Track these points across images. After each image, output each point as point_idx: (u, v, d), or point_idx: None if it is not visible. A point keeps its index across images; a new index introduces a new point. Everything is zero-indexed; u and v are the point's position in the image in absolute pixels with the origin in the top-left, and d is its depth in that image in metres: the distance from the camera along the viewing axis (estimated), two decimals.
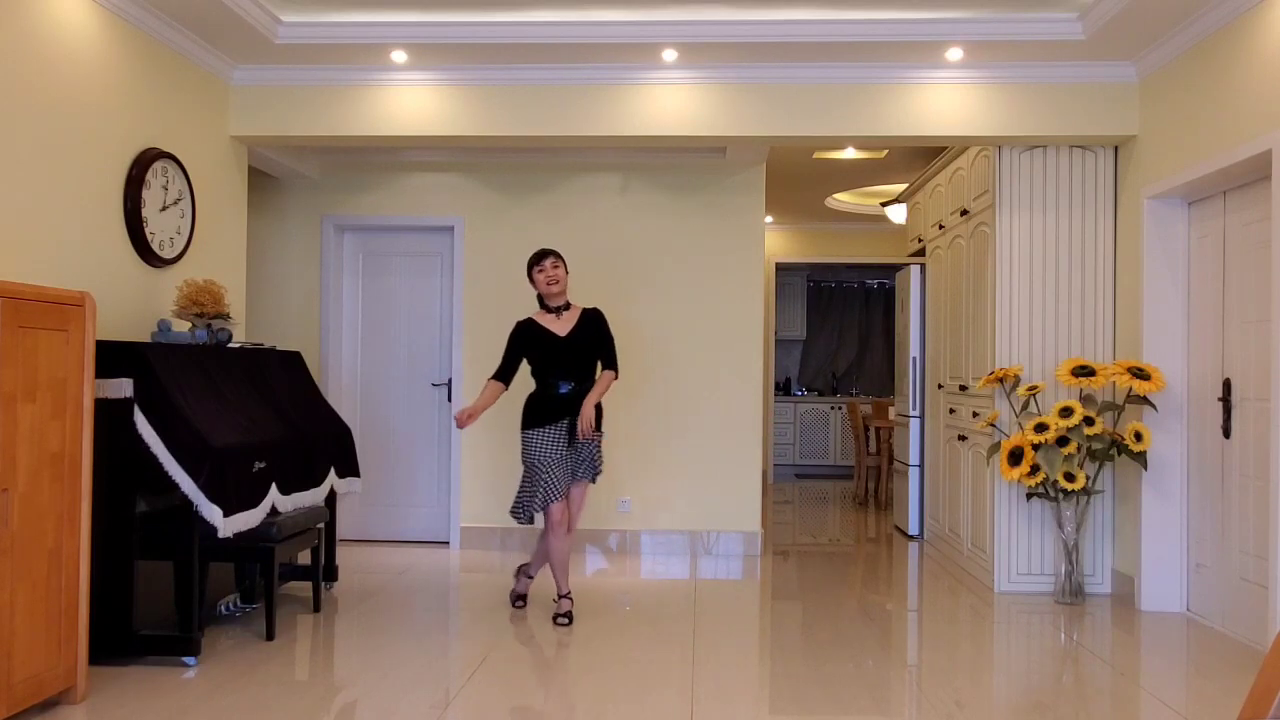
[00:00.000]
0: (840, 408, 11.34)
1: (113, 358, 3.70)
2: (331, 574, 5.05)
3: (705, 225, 6.31)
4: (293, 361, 5.00)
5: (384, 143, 5.50)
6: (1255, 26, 4.06)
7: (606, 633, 4.37)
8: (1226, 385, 4.48)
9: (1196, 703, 3.53)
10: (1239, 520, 4.39)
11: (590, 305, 4.76)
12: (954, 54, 4.93)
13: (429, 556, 6.05)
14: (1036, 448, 4.89)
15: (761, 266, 6.33)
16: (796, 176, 8.13)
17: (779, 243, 10.43)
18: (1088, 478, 4.98)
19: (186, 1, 4.41)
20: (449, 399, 6.42)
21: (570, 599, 4.58)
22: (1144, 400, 4.75)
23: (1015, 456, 4.95)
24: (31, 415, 3.11)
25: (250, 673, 3.72)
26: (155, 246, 4.57)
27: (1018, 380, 5.18)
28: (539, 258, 4.58)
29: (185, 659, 3.81)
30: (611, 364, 4.63)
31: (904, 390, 7.23)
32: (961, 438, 5.99)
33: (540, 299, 4.65)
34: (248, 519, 3.87)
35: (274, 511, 4.13)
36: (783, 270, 11.25)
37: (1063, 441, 4.85)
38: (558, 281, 4.57)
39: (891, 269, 11.31)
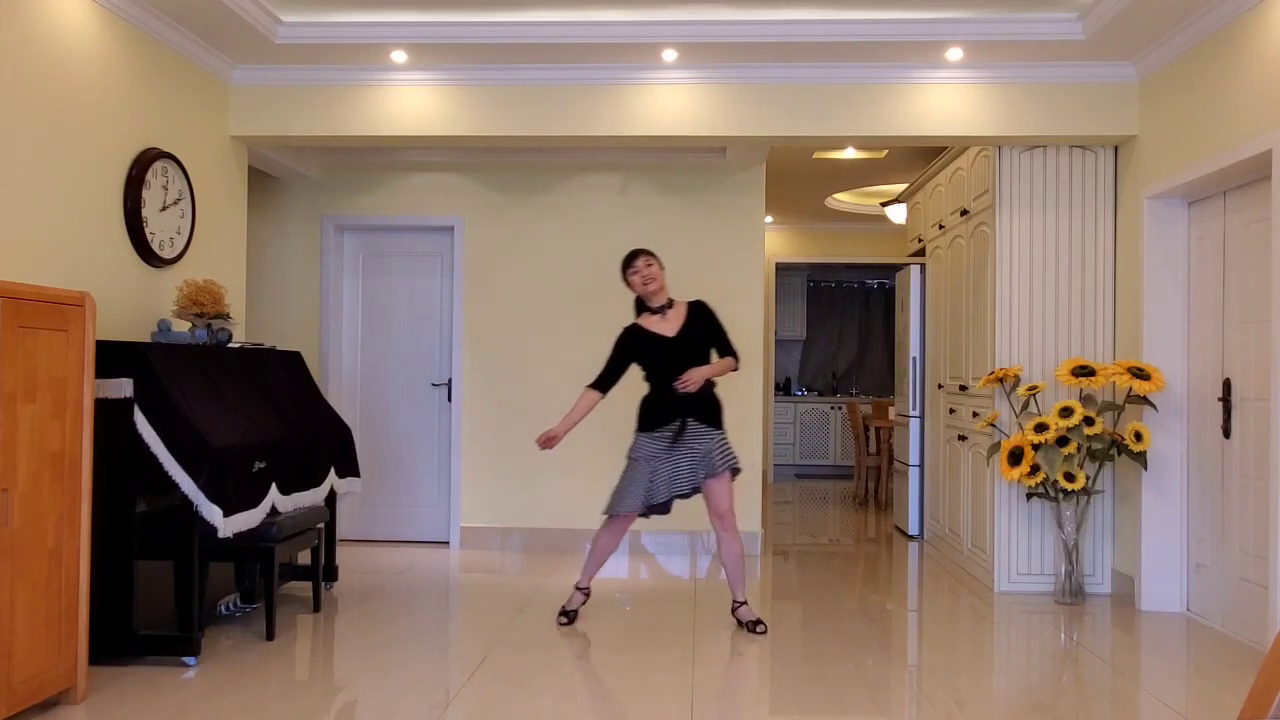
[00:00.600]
0: (840, 408, 11.34)
1: (113, 358, 3.70)
2: (331, 574, 5.05)
3: (705, 225, 6.31)
4: (293, 361, 5.00)
5: (384, 143, 5.50)
6: (1255, 26, 4.06)
7: (606, 633, 4.37)
8: (1226, 385, 4.48)
9: (1196, 703, 3.53)
10: (1239, 520, 4.39)
11: (692, 298, 4.59)
12: (954, 54, 4.93)
13: (429, 556, 6.05)
14: (1036, 448, 4.89)
15: (761, 266, 6.33)
16: (796, 176, 8.13)
17: (779, 243, 10.43)
18: (1088, 478, 4.98)
19: (186, 1, 4.41)
20: (449, 399, 6.42)
21: (586, 594, 4.57)
22: (1144, 400, 4.75)
23: (1015, 456, 4.95)
24: (31, 415, 3.11)
25: (250, 673, 3.72)
26: (155, 246, 4.57)
27: (1018, 380, 5.18)
28: (630, 259, 4.46)
29: (185, 659, 3.80)
30: (730, 352, 4.49)
31: (904, 390, 7.22)
32: (961, 438, 5.99)
33: (638, 302, 4.54)
34: (248, 519, 3.87)
35: (274, 511, 4.13)
36: (783, 270, 11.25)
37: (1063, 441, 4.85)
38: (654, 280, 4.43)
39: (891, 269, 11.31)
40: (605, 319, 6.35)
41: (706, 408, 4.45)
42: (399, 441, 6.49)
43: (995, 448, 5.10)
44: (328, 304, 6.46)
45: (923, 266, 6.98)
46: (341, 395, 6.47)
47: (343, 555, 5.94)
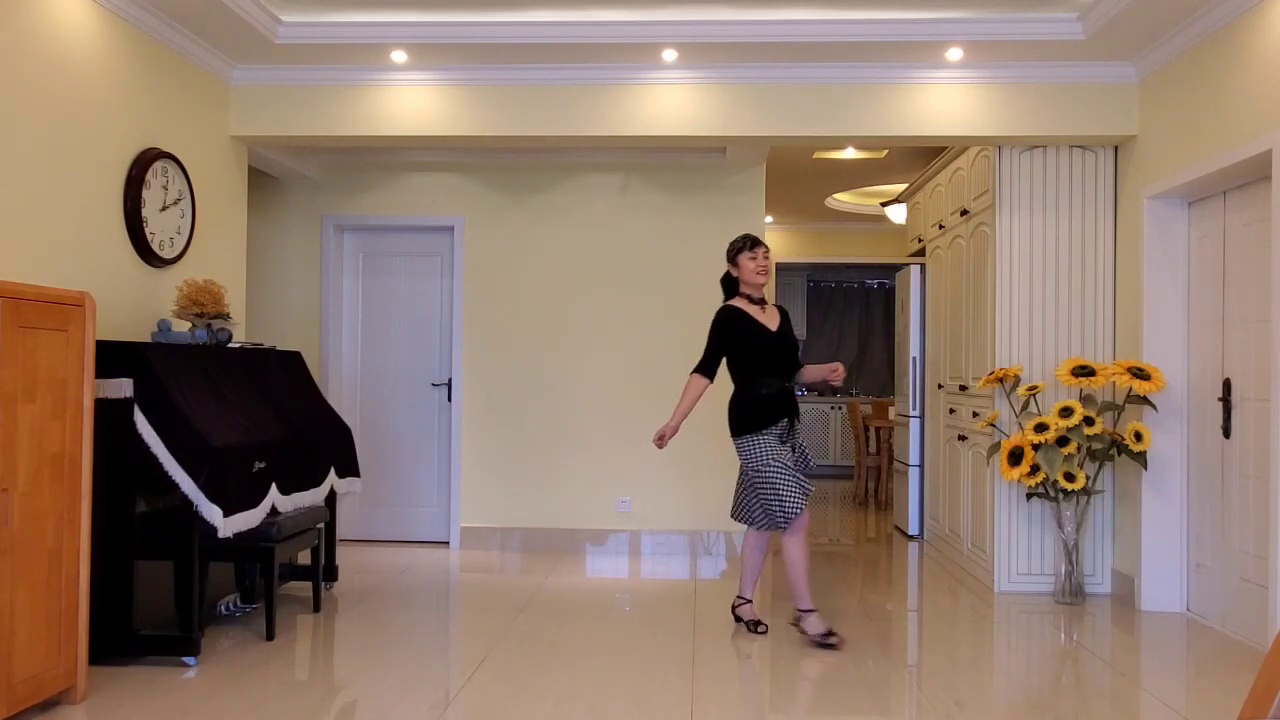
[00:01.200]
0: (840, 408, 11.34)
1: (113, 358, 3.70)
2: (331, 574, 5.05)
3: (705, 225, 6.31)
4: (293, 361, 5.00)
5: (384, 143, 5.50)
6: (1255, 26, 4.06)
7: (606, 633, 4.37)
8: (1226, 385, 4.48)
9: (1196, 703, 3.53)
10: (1239, 520, 4.39)
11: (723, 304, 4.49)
12: (954, 54, 4.93)
13: (429, 556, 6.05)
14: (1036, 448, 4.89)
15: None
16: (796, 176, 8.13)
17: (779, 243, 10.43)
18: (1088, 478, 4.98)
19: (186, 1, 4.41)
20: (449, 399, 6.42)
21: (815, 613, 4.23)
22: (1144, 400, 4.75)
23: (1015, 456, 4.95)
24: (31, 415, 3.11)
25: (250, 673, 3.72)
26: (155, 246, 4.57)
27: (1018, 380, 5.18)
28: (754, 243, 4.30)
29: (185, 659, 3.80)
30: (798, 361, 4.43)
31: (904, 390, 7.23)
32: (961, 438, 5.99)
33: (734, 287, 4.38)
34: (248, 519, 3.87)
35: (274, 511, 4.13)
36: (783, 270, 11.24)
37: (1063, 441, 4.85)
38: (768, 273, 4.32)
39: (891, 269, 11.31)
40: (605, 317, 6.36)
41: (797, 408, 4.35)
42: (399, 441, 6.49)
43: (995, 448, 5.10)
44: (328, 304, 6.46)
45: (923, 266, 6.98)
46: (341, 395, 6.48)
47: (343, 555, 5.94)
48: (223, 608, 4.44)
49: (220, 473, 3.70)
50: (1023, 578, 5.30)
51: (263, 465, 4.03)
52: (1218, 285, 4.58)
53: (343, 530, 6.36)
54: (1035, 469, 4.91)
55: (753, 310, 4.32)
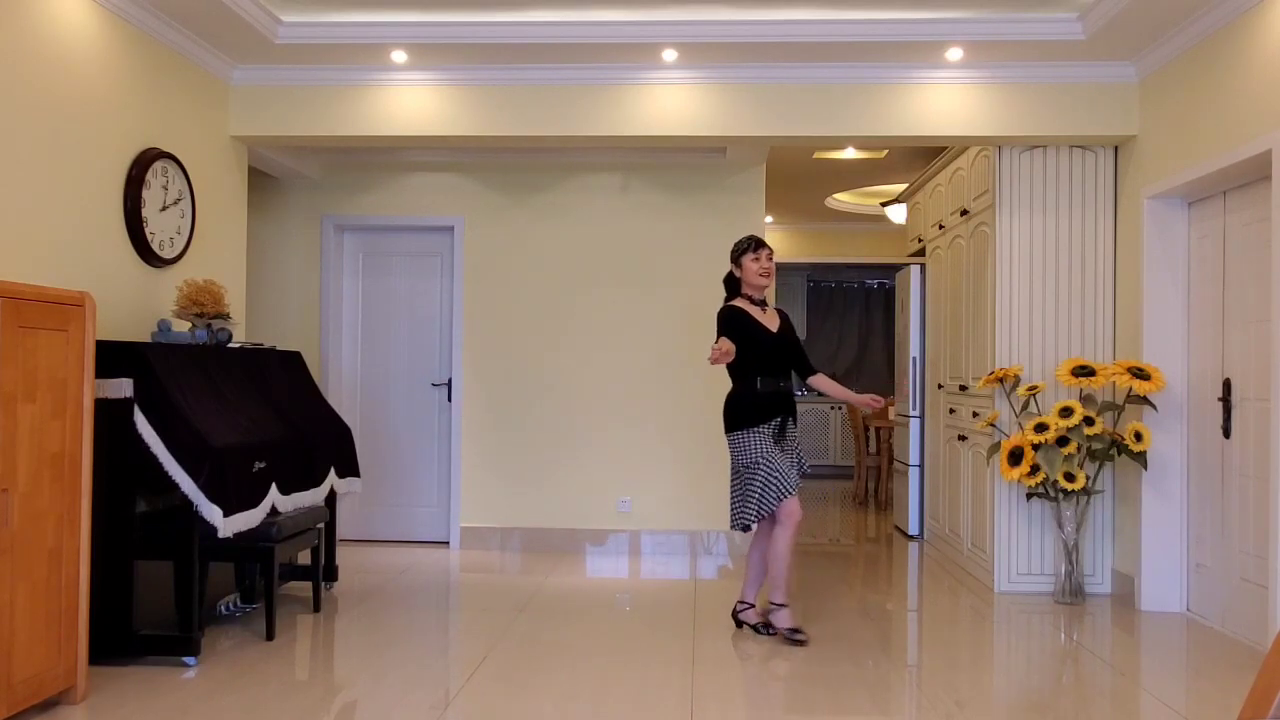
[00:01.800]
0: (840, 408, 11.34)
1: (113, 358, 3.70)
2: (331, 574, 5.05)
3: (705, 225, 6.31)
4: (293, 361, 5.00)
5: (384, 143, 5.50)
6: (1255, 26, 4.06)
7: (606, 633, 4.37)
8: (1226, 385, 4.48)
9: (1196, 703, 3.53)
10: (1239, 520, 4.39)
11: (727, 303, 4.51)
12: (954, 54, 4.93)
13: (429, 556, 6.05)
14: (1036, 448, 4.89)
15: None
16: (796, 176, 8.13)
17: (779, 243, 10.43)
18: (1088, 478, 4.98)
19: (186, 1, 4.41)
20: (449, 399, 6.43)
21: (784, 604, 4.29)
22: (1144, 400, 4.75)
23: (1015, 456, 4.95)
24: (31, 415, 3.11)
25: (250, 673, 3.72)
26: (155, 246, 4.57)
27: (1018, 380, 5.18)
28: (757, 244, 4.36)
29: (185, 659, 3.80)
30: (811, 368, 4.48)
31: (904, 390, 7.22)
32: (961, 438, 5.99)
33: (736, 287, 4.43)
34: (248, 519, 3.87)
35: (274, 511, 4.13)
36: (783, 270, 11.24)
37: (1063, 441, 4.85)
38: (771, 275, 4.37)
39: (891, 269, 11.30)
40: (606, 317, 6.36)
41: (793, 408, 4.39)
42: (399, 441, 6.49)
43: (995, 448, 5.10)
44: (328, 304, 6.46)
45: (923, 266, 6.98)
46: (341, 395, 6.48)
47: (343, 555, 5.94)
48: (223, 608, 4.44)
49: (220, 473, 3.70)
50: (1023, 578, 5.30)
51: (263, 465, 4.03)
52: (1218, 285, 4.58)
53: (343, 530, 6.36)
54: (1035, 469, 4.91)
55: (754, 310, 4.37)
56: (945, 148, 6.22)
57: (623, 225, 6.35)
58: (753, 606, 4.48)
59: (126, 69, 4.41)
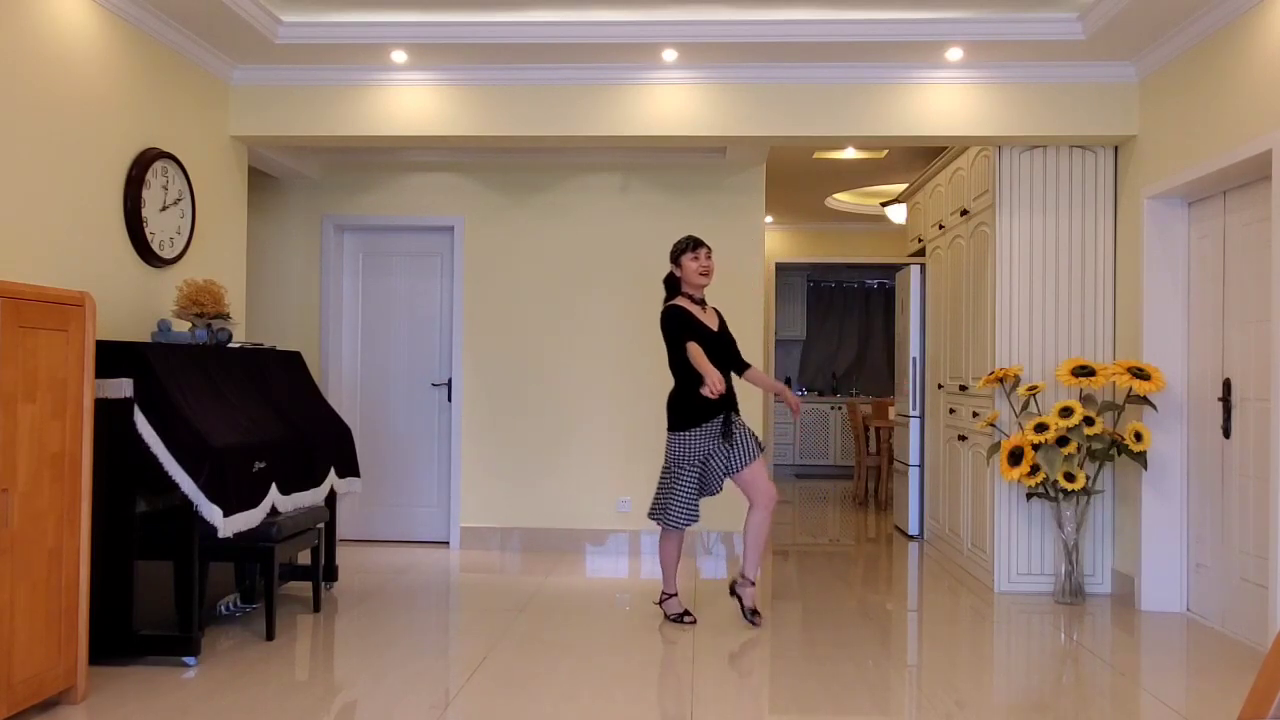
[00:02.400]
0: (840, 408, 11.34)
1: (113, 358, 3.70)
2: (331, 574, 5.05)
3: (705, 225, 6.31)
4: (293, 361, 5.00)
5: (384, 143, 5.50)
6: (1255, 26, 4.06)
7: (606, 633, 4.37)
8: (1226, 385, 4.48)
9: (1196, 703, 3.53)
10: (1239, 520, 4.39)
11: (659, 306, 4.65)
12: (954, 54, 4.93)
13: (429, 556, 6.05)
14: (1036, 448, 4.89)
15: (761, 266, 6.33)
16: (796, 176, 8.13)
17: (779, 243, 10.43)
18: (1088, 478, 4.98)
19: (186, 1, 4.41)
20: (449, 399, 6.43)
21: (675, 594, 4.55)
22: (1144, 400, 4.75)
23: (1015, 456, 4.95)
24: (31, 415, 3.11)
25: (250, 673, 3.72)
26: (155, 246, 4.57)
27: (1018, 380, 5.18)
28: (695, 244, 4.46)
29: (185, 659, 3.80)
30: (744, 362, 4.63)
31: (904, 390, 7.23)
32: (961, 438, 5.99)
33: (676, 287, 4.52)
34: (248, 519, 3.87)
35: (274, 511, 4.13)
36: (783, 270, 11.25)
37: (1063, 441, 4.85)
38: (710, 273, 4.48)
39: (891, 269, 11.31)
40: (605, 317, 6.36)
41: (735, 403, 4.52)
42: (399, 441, 6.49)
43: (995, 448, 5.10)
44: (328, 304, 6.46)
45: (923, 266, 6.98)
46: (341, 395, 6.48)
47: (343, 555, 5.94)
48: (223, 608, 4.44)
49: (220, 473, 3.70)
50: (1023, 578, 5.30)
51: (263, 465, 4.03)
52: (1218, 285, 4.58)
53: (343, 530, 6.36)
54: (1035, 469, 4.91)
55: (695, 309, 4.49)
56: (945, 148, 6.22)
57: (623, 225, 6.35)
58: (675, 595, 4.58)
59: (126, 69, 4.41)
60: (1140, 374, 4.68)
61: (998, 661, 4.10)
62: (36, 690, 3.14)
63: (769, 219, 10.06)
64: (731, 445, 4.43)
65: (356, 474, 5.04)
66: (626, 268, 6.35)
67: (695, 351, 4.27)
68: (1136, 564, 4.93)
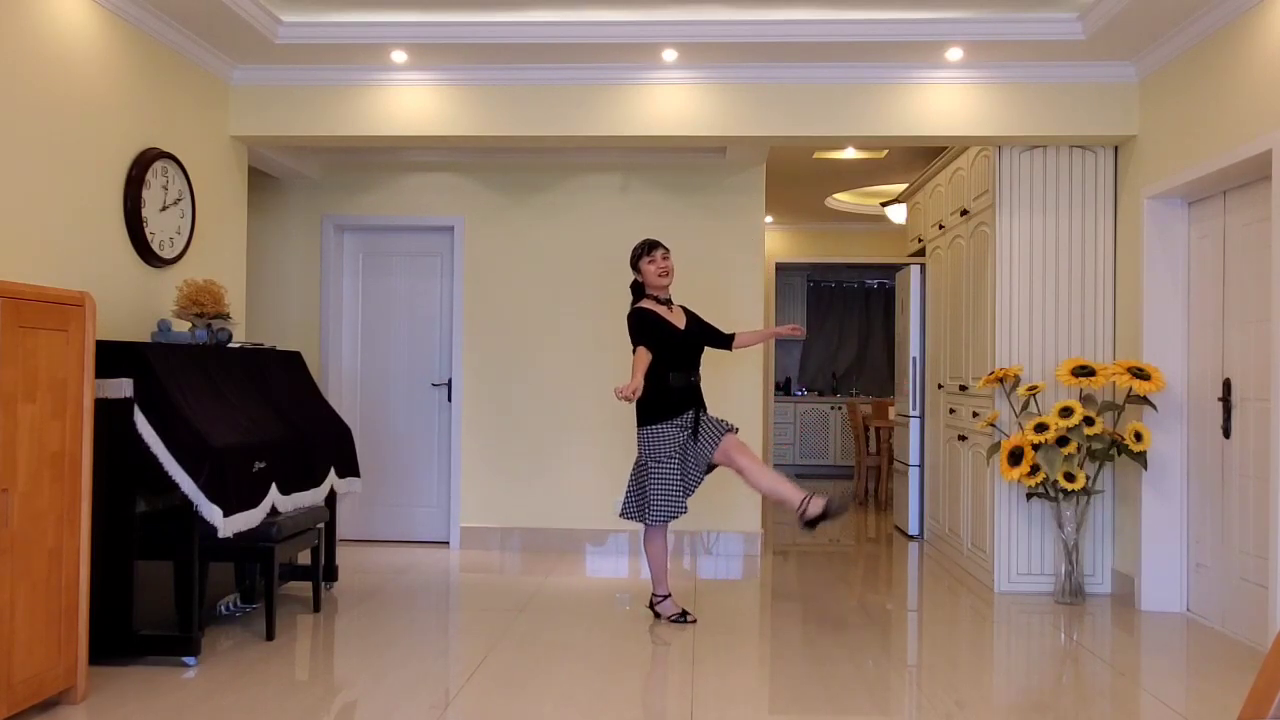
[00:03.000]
0: (840, 408, 11.34)
1: (113, 358, 3.70)
2: (331, 574, 5.05)
3: (705, 225, 6.31)
4: (293, 361, 5.00)
5: (384, 143, 5.50)
6: (1255, 26, 4.06)
7: (606, 633, 4.37)
8: (1226, 385, 4.48)
9: (1196, 703, 3.53)
10: (1239, 520, 4.39)
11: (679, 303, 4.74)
12: (954, 54, 4.93)
13: (429, 556, 6.05)
14: (1036, 448, 4.89)
15: (761, 266, 6.33)
16: (796, 176, 8.13)
17: (779, 243, 10.43)
18: (1088, 478, 4.98)
19: (186, 1, 4.41)
20: (449, 399, 6.43)
21: (668, 599, 4.56)
22: (1144, 400, 4.75)
23: (1015, 456, 4.95)
24: (31, 415, 3.11)
25: (250, 673, 3.72)
26: (155, 246, 4.57)
27: (1018, 380, 5.18)
28: (650, 247, 4.54)
29: (185, 659, 3.80)
30: (725, 335, 4.71)
31: (904, 390, 7.22)
32: (961, 438, 5.99)
33: (641, 290, 4.60)
34: (248, 519, 3.87)
35: (274, 511, 4.13)
36: (783, 270, 11.24)
37: (1063, 441, 4.85)
38: (670, 273, 4.54)
39: (891, 269, 11.30)
40: (605, 318, 6.36)
41: (702, 400, 4.58)
42: (399, 441, 6.49)
43: (995, 448, 5.10)
44: (328, 304, 6.46)
45: (923, 266, 6.98)
46: (341, 395, 6.47)
47: (343, 555, 5.93)
48: (223, 608, 4.44)
49: (220, 473, 3.70)
50: (1023, 578, 5.30)
51: (263, 465, 4.03)
52: (1218, 285, 4.58)
53: (343, 530, 6.36)
54: (1035, 469, 4.91)
55: (660, 310, 4.55)
56: (945, 148, 6.22)
57: (623, 225, 6.34)
58: (668, 596, 4.58)
59: (126, 69, 4.41)
60: (1140, 374, 4.68)
61: (998, 661, 4.10)
62: (36, 690, 3.14)
63: (769, 219, 10.06)
64: (699, 441, 4.48)
65: (356, 474, 5.04)
66: (627, 268, 6.32)
67: (638, 357, 4.38)
68: (1136, 564, 4.93)
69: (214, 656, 3.91)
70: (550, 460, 6.33)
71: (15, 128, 3.73)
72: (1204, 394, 4.69)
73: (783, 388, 11.71)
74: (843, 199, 9.17)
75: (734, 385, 6.25)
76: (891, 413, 8.10)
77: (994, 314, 5.36)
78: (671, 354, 4.46)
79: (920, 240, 7.10)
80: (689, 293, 6.26)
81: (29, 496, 3.11)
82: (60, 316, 3.24)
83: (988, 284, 5.48)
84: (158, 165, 4.58)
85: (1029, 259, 5.30)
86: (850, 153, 7.29)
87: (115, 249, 4.35)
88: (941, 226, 6.44)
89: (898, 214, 8.44)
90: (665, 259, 4.54)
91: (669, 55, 5.01)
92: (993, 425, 5.32)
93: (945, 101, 5.12)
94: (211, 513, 3.67)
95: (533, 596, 5.03)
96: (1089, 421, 4.80)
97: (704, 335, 4.64)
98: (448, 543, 6.42)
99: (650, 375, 4.43)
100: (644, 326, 4.47)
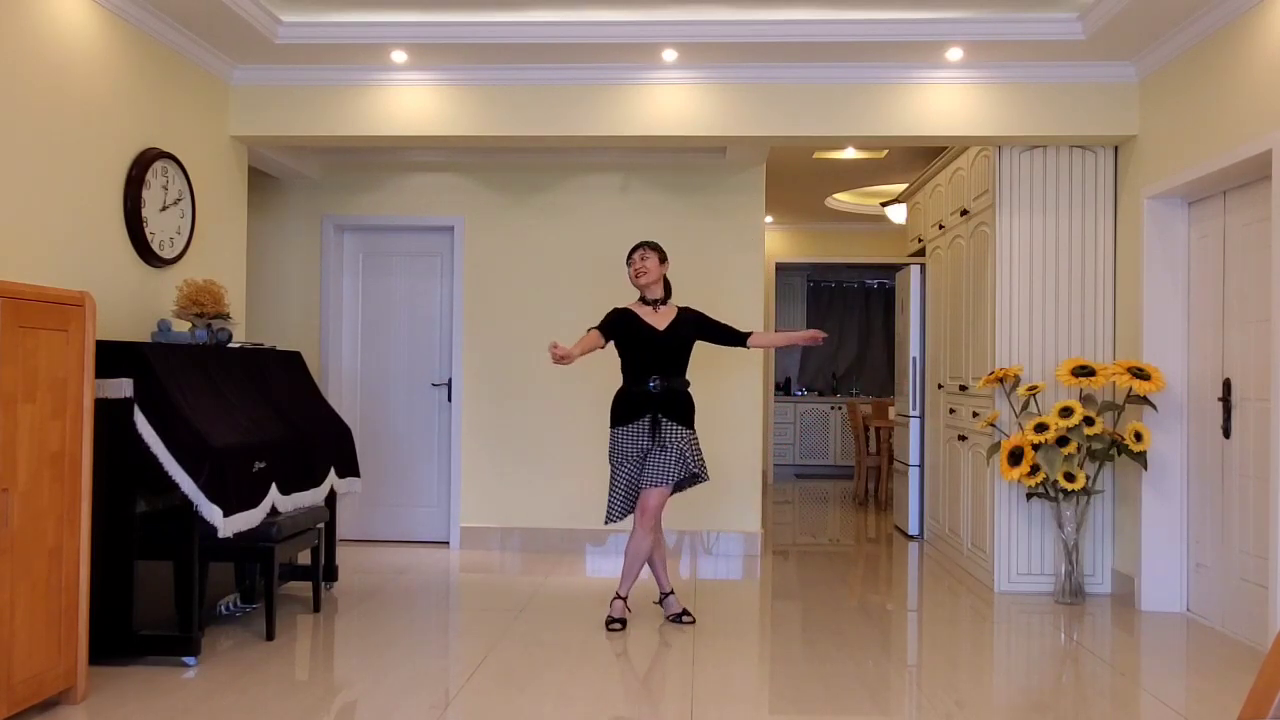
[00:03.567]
0: (840, 408, 11.34)
1: (113, 358, 3.70)
2: (331, 574, 5.05)
3: (705, 225, 6.31)
4: (293, 361, 5.00)
5: (384, 143, 5.50)
6: (1255, 26, 4.06)
7: (606, 633, 4.37)
8: (1226, 385, 4.48)
9: (1196, 703, 3.53)
10: (1239, 520, 4.39)
11: (683, 304, 4.69)
12: (954, 54, 4.93)
13: (429, 556, 6.05)
14: (1036, 448, 4.89)
15: (761, 266, 6.33)
16: (796, 176, 8.13)
17: (779, 243, 10.43)
18: (1088, 478, 4.98)
19: (186, 2, 4.41)
20: (449, 399, 6.43)
21: (625, 604, 4.48)
22: (1144, 400, 4.75)
23: (1015, 456, 4.95)
24: (31, 415, 3.11)
25: (250, 673, 3.72)
26: (155, 246, 4.57)
27: (1018, 380, 5.18)
28: (630, 251, 4.53)
29: (185, 659, 3.80)
30: (738, 335, 4.59)
31: (904, 390, 7.22)
32: (961, 438, 5.99)
33: (642, 295, 4.58)
34: (248, 519, 3.87)
35: (274, 511, 4.13)
36: (783, 270, 11.24)
37: (1063, 441, 4.85)
38: (646, 272, 4.48)
39: (891, 269, 11.30)
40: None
41: (676, 405, 4.46)
42: (399, 441, 6.49)
43: (995, 448, 5.10)
44: (328, 304, 6.46)
45: (923, 266, 6.98)
46: (341, 395, 6.47)
47: (343, 555, 5.93)
48: (223, 608, 4.44)
49: (220, 473, 3.70)
50: (1023, 578, 5.30)
51: (263, 465, 4.03)
52: (1218, 285, 4.58)
53: (343, 530, 6.36)
54: (1035, 469, 4.91)
55: (643, 311, 4.51)
56: (945, 148, 6.22)
57: (623, 225, 6.34)
58: (671, 594, 4.58)
59: (126, 69, 4.41)
60: (1140, 374, 4.68)
61: (998, 661, 4.11)
62: (36, 690, 3.14)
63: (769, 219, 10.06)
64: (661, 449, 4.37)
65: (356, 474, 5.04)
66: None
67: (587, 335, 4.40)
68: (1136, 564, 4.93)
69: (214, 656, 3.91)
70: (550, 460, 6.33)
71: (15, 128, 3.73)
72: (1204, 394, 4.69)
73: (783, 388, 11.71)
74: (843, 199, 9.17)
75: (734, 385, 6.26)
76: (891, 413, 8.10)
77: (994, 314, 5.36)
78: (640, 354, 4.43)
79: (920, 240, 7.10)
80: (689, 293, 6.26)
81: (29, 496, 3.11)
82: (60, 316, 3.24)
83: (988, 284, 5.48)
84: (158, 165, 4.58)
85: (1029, 259, 5.30)
86: (850, 153, 7.30)
87: (115, 249, 4.35)
88: (941, 226, 6.44)
89: (898, 214, 8.44)
90: (643, 259, 4.48)
91: (669, 55, 5.01)
92: (993, 425, 5.33)
93: (945, 101, 5.12)
94: (211, 513, 3.67)
95: (533, 596, 5.03)
96: (1089, 421, 4.80)
97: (704, 335, 4.56)
98: (448, 543, 6.42)
99: (622, 376, 4.47)
100: (606, 320, 4.48)
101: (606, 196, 6.38)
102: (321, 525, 4.72)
